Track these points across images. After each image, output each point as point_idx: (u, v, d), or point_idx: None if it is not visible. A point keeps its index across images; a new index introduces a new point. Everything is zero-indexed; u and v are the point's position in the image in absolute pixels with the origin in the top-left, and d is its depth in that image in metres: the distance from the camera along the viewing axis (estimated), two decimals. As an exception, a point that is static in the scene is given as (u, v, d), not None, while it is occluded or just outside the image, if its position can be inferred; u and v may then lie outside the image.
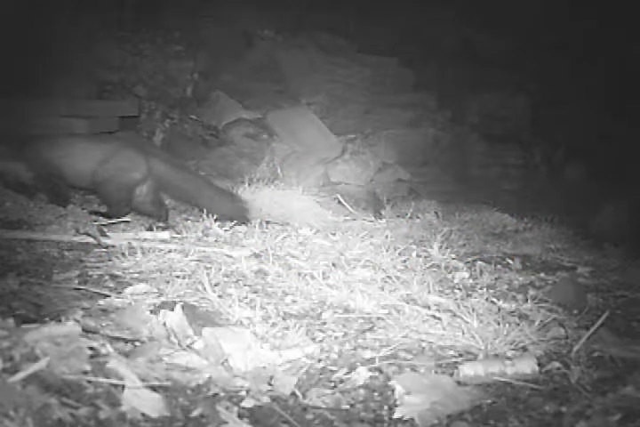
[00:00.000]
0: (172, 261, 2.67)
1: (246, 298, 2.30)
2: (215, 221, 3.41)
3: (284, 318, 2.14)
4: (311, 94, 6.14)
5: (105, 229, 3.13)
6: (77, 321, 1.79)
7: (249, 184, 4.17)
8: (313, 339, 2.01)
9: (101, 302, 2.14)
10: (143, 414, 1.38)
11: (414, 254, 3.04)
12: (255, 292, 2.39)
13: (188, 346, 1.82)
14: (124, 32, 5.67)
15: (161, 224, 3.48)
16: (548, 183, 6.51)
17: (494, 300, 2.47)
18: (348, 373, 1.78)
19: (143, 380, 1.48)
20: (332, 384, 1.73)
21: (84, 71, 5.07)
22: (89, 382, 1.39)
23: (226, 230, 3.36)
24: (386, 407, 1.62)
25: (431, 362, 1.86)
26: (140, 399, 1.41)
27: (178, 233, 3.24)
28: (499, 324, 2.09)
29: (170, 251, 2.79)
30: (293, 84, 6.26)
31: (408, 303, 2.33)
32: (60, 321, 1.74)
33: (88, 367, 1.42)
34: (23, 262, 2.59)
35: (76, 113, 4.62)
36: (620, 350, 2.01)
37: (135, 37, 5.73)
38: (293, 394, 1.64)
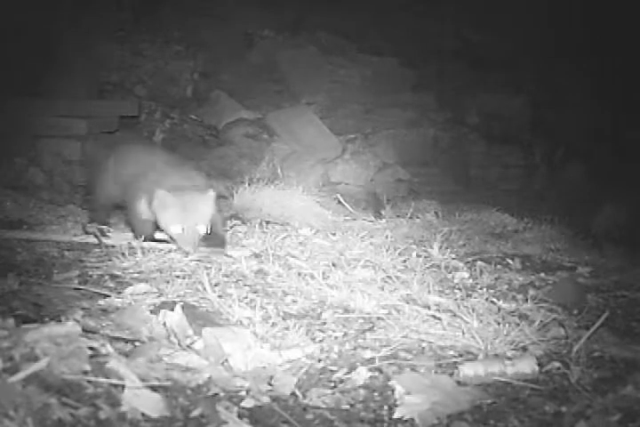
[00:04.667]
0: (171, 261, 2.67)
1: (246, 298, 2.30)
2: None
3: (284, 318, 2.14)
4: (311, 94, 6.13)
5: (105, 229, 3.13)
6: (77, 321, 1.79)
7: (249, 184, 4.17)
8: (313, 339, 2.01)
9: (101, 302, 2.14)
10: (143, 414, 1.38)
11: (414, 254, 3.04)
12: (255, 292, 2.39)
13: (188, 346, 1.82)
14: (124, 32, 5.67)
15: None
16: (548, 183, 6.50)
17: (494, 300, 2.47)
18: (347, 373, 1.78)
19: (143, 380, 1.48)
20: (332, 384, 1.73)
21: (84, 71, 5.07)
22: (89, 382, 1.39)
23: (226, 230, 3.36)
24: (386, 407, 1.62)
25: (431, 362, 1.86)
26: (140, 399, 1.41)
27: (178, 233, 3.23)
28: (499, 324, 2.09)
29: (170, 251, 2.80)
30: (293, 84, 6.25)
31: (408, 303, 2.33)
32: (60, 321, 1.74)
33: (88, 367, 1.42)
34: (23, 262, 2.59)
35: (76, 113, 4.63)
36: (619, 350, 2.01)
37: (135, 37, 5.73)
38: (293, 394, 1.64)
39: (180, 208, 2.68)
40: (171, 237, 2.78)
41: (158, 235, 2.97)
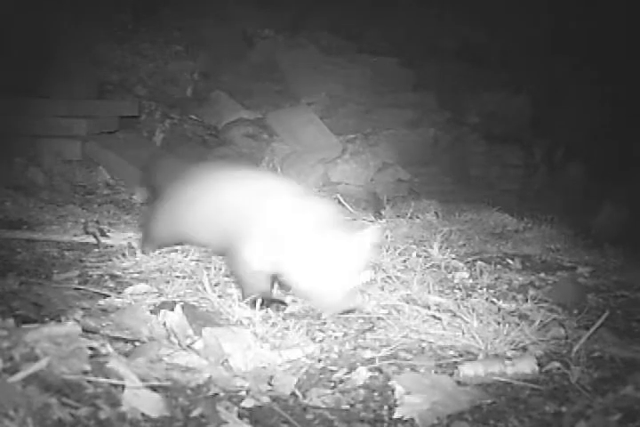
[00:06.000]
0: (171, 261, 2.67)
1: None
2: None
3: (283, 318, 2.14)
4: (311, 94, 6.13)
5: (105, 229, 3.13)
6: (77, 321, 1.79)
7: (249, 184, 4.15)
8: (313, 339, 2.01)
9: (101, 302, 2.14)
10: (143, 414, 1.38)
11: (414, 254, 3.03)
12: (255, 292, 2.39)
13: (188, 346, 1.82)
14: (124, 32, 5.67)
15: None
16: (548, 183, 6.50)
17: (494, 300, 2.47)
18: (348, 373, 1.78)
19: (143, 380, 1.48)
20: (332, 384, 1.73)
21: (84, 71, 5.07)
22: (89, 382, 1.39)
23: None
24: (386, 407, 1.62)
25: (431, 362, 1.86)
26: (140, 399, 1.41)
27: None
28: (499, 324, 2.09)
29: (170, 251, 2.79)
30: (293, 84, 6.25)
31: (408, 303, 2.33)
32: (60, 321, 1.74)
33: (88, 367, 1.42)
34: (23, 262, 2.59)
35: (76, 113, 4.63)
36: (620, 350, 2.01)
37: (135, 37, 5.73)
38: (293, 394, 1.64)
39: (333, 257, 1.97)
40: (304, 294, 2.12)
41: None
